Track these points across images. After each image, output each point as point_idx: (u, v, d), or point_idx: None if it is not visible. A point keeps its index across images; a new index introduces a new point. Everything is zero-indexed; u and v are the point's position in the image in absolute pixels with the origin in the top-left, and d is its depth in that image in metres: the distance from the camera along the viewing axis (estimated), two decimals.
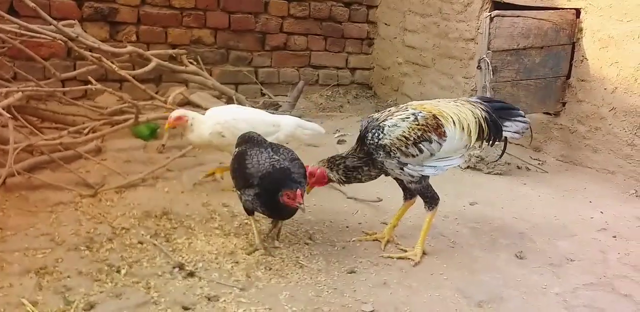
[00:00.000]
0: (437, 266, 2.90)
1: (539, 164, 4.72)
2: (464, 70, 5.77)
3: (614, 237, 3.36)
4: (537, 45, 4.59)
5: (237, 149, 3.05)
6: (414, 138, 2.80)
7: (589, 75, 4.59)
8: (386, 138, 2.81)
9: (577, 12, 4.63)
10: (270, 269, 2.75)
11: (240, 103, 5.50)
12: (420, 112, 2.86)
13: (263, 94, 6.41)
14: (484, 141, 3.02)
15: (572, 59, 4.74)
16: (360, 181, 3.01)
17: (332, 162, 2.97)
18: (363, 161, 2.91)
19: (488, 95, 4.32)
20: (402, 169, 2.87)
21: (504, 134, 3.04)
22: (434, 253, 3.03)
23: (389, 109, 2.96)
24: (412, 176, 2.90)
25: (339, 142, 5.09)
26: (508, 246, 3.18)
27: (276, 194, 2.63)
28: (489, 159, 4.44)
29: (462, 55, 5.76)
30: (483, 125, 2.95)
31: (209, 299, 2.46)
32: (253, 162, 2.80)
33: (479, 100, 3.07)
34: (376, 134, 2.83)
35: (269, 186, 2.69)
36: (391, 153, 2.82)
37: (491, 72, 4.40)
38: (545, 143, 5.00)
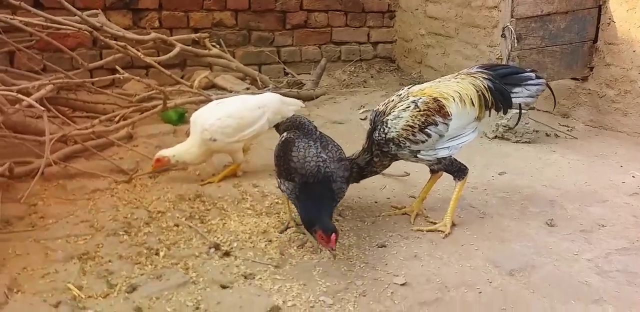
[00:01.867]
0: (467, 236, 2.90)
1: (567, 130, 4.64)
2: (488, 38, 5.65)
3: None
4: (562, 11, 4.47)
5: (285, 133, 2.91)
6: (418, 125, 2.80)
7: (617, 38, 4.46)
8: (392, 131, 2.82)
9: None
10: (303, 246, 2.79)
11: (264, 83, 5.52)
12: (420, 98, 2.84)
13: (286, 73, 6.40)
14: (493, 110, 2.97)
15: (598, 22, 4.61)
16: (376, 173, 3.04)
17: None
18: (373, 154, 2.92)
19: (511, 64, 4.23)
20: (416, 156, 2.88)
21: (515, 100, 2.98)
22: (463, 224, 3.03)
23: (392, 99, 2.93)
24: (429, 160, 2.90)
25: (364, 118, 5.07)
26: (538, 214, 3.16)
27: (313, 198, 2.59)
28: (515, 128, 4.37)
29: (486, 23, 5.64)
30: (487, 95, 2.91)
31: (245, 277, 2.51)
32: (299, 156, 2.69)
33: (480, 70, 3.01)
34: (382, 130, 2.84)
35: (308, 190, 2.62)
36: (401, 144, 2.83)
37: (515, 40, 4.30)
38: (573, 109, 4.90)
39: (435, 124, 2.81)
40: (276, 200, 3.29)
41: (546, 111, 5.02)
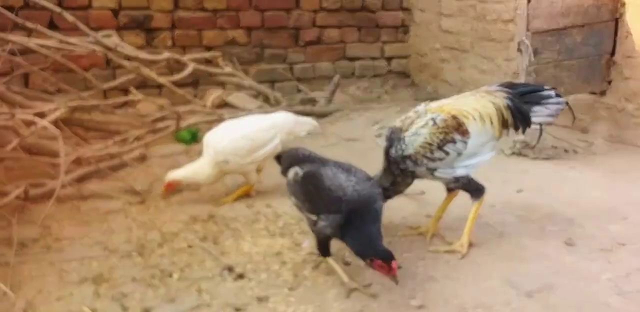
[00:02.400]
0: (485, 257, 2.91)
1: (586, 145, 4.64)
2: (505, 52, 5.68)
3: None
4: (578, 24, 4.49)
5: (297, 169, 2.76)
6: (437, 142, 2.81)
7: (635, 51, 4.47)
8: (409, 148, 2.83)
9: None
10: (317, 267, 2.82)
11: (277, 101, 5.59)
12: (439, 115, 2.86)
13: (299, 90, 6.48)
14: (511, 129, 2.99)
15: (615, 35, 4.63)
16: (401, 192, 3.06)
17: None
18: (395, 174, 2.94)
19: (523, 80, 4.26)
20: (432, 174, 2.90)
21: (535, 119, 2.99)
22: (481, 244, 3.04)
23: (409, 115, 2.95)
24: (446, 178, 2.92)
25: (379, 135, 5.11)
26: (557, 232, 3.16)
27: (359, 226, 2.50)
28: (534, 144, 4.38)
29: (502, 37, 5.68)
30: (505, 114, 2.93)
31: (259, 300, 2.54)
32: (336, 184, 2.56)
33: (499, 88, 3.04)
34: (399, 147, 2.85)
35: (353, 218, 2.51)
36: (418, 161, 2.84)
37: (532, 54, 4.33)
38: (592, 124, 4.90)
39: (453, 141, 2.84)
40: (290, 220, 3.33)
41: (564, 126, 5.00)
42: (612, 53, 4.66)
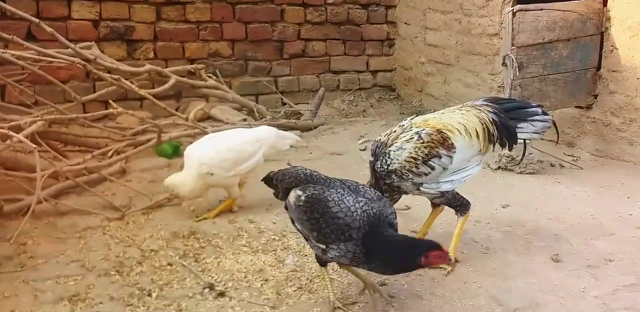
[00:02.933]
0: (470, 273, 2.93)
1: (573, 160, 4.70)
2: (490, 66, 5.77)
3: None
4: (564, 38, 4.57)
5: (298, 192, 2.52)
6: (422, 157, 2.84)
7: (621, 65, 4.56)
8: (395, 163, 2.85)
9: (604, 0, 4.60)
10: (301, 286, 2.81)
11: (261, 114, 5.61)
12: (424, 129, 2.89)
13: (284, 104, 6.51)
14: (497, 145, 3.03)
15: (601, 49, 4.72)
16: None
17: None
18: (382, 189, 2.95)
19: (508, 94, 4.32)
20: (418, 189, 2.92)
21: (520, 135, 3.03)
22: (466, 260, 3.05)
23: (394, 129, 2.98)
24: (431, 194, 2.95)
25: (364, 149, 5.13)
26: (543, 249, 3.19)
27: (382, 248, 2.35)
28: (519, 159, 4.43)
29: (487, 51, 5.77)
30: (491, 128, 2.96)
31: None
32: (344, 209, 2.37)
33: (485, 103, 3.08)
34: (384, 161, 2.87)
35: (371, 241, 2.36)
36: (403, 176, 2.87)
37: (517, 69, 4.39)
38: (578, 138, 4.97)
39: (439, 156, 2.86)
40: (273, 236, 3.32)
41: (550, 140, 5.06)
42: (598, 67, 4.75)
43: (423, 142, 2.86)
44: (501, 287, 2.79)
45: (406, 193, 3.02)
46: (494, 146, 3.04)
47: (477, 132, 2.94)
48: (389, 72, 7.34)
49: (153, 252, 3.12)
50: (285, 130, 5.51)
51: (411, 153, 2.85)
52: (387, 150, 2.90)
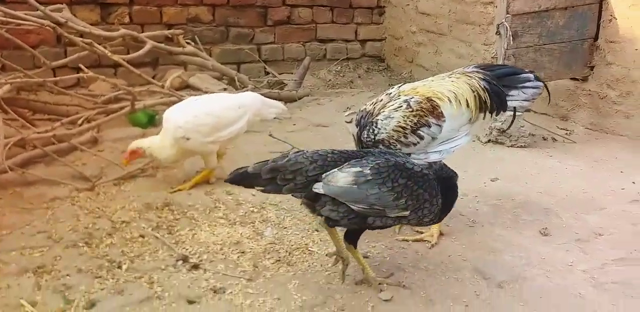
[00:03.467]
0: (456, 246, 2.93)
1: (566, 134, 4.70)
2: (483, 36, 5.72)
3: None
4: (561, 6, 4.52)
5: (360, 169, 2.38)
6: (411, 126, 2.81)
7: (619, 35, 4.53)
8: (382, 132, 2.82)
9: None
10: (279, 258, 2.80)
11: (242, 83, 5.53)
12: (413, 97, 2.85)
13: (267, 73, 6.42)
14: (487, 113, 3.00)
15: (599, 19, 4.67)
16: None
17: None
18: None
19: (506, 63, 4.28)
20: None
21: (510, 103, 3.01)
22: (452, 234, 3.05)
23: (381, 98, 2.94)
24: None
25: (350, 121, 5.10)
26: (532, 222, 3.19)
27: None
28: (510, 131, 4.42)
29: (481, 20, 5.71)
30: (483, 96, 2.93)
31: (214, 292, 2.51)
32: (422, 167, 2.48)
33: (476, 70, 3.04)
34: (371, 130, 2.83)
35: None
36: (391, 146, 2.83)
37: (511, 38, 4.34)
38: (572, 111, 4.96)
39: (428, 125, 2.83)
40: (251, 208, 3.30)
41: (543, 113, 5.07)
42: (596, 37, 4.71)
43: (412, 111, 2.82)
44: (487, 261, 2.79)
45: None
46: (484, 115, 3.01)
47: (467, 100, 2.91)
48: (379, 42, 7.27)
49: (124, 223, 3.09)
50: None
51: (399, 122, 2.81)
52: (374, 120, 2.86)
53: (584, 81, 4.86)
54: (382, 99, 2.95)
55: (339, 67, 6.96)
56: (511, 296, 2.52)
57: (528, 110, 4.65)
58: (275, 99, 5.41)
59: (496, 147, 4.42)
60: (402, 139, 2.83)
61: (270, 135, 4.40)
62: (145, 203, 3.31)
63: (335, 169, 2.39)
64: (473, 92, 2.93)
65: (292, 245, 2.92)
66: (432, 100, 2.87)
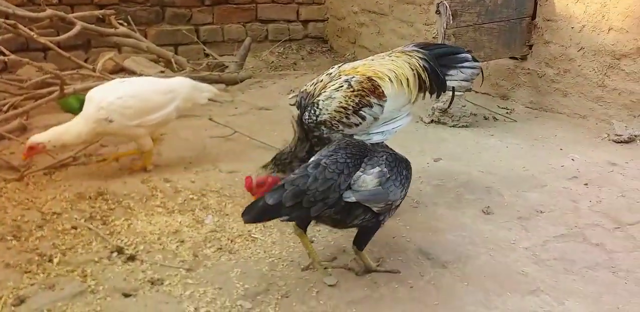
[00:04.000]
0: (399, 228, 2.91)
1: (507, 112, 4.75)
2: (424, 16, 5.70)
3: (586, 184, 3.42)
4: None
5: (380, 168, 2.36)
6: (352, 106, 2.76)
7: (555, 14, 4.58)
8: (324, 114, 2.77)
9: None
10: (221, 246, 2.72)
11: (180, 66, 5.37)
12: (354, 77, 2.82)
13: (207, 55, 6.25)
14: (427, 93, 2.98)
15: None
16: None
17: (281, 163, 2.88)
18: (311, 143, 2.87)
19: (444, 42, 4.27)
20: None
21: (449, 83, 2.99)
22: (395, 215, 3.00)
23: (321, 78, 2.89)
24: None
25: (294, 104, 5.02)
26: (474, 201, 3.21)
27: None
28: (452, 111, 4.43)
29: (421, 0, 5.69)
30: (422, 75, 2.91)
31: (152, 284, 2.43)
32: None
33: (415, 49, 3.01)
34: (312, 112, 2.78)
35: None
36: (333, 127, 2.79)
37: (451, 17, 4.33)
38: (512, 90, 5.01)
39: (370, 105, 2.79)
40: (191, 196, 3.20)
41: (485, 93, 5.11)
42: (534, 16, 4.75)
43: (353, 91, 2.78)
44: (430, 241, 2.79)
45: None
46: (424, 94, 2.99)
47: (407, 80, 2.87)
48: (321, 23, 7.18)
49: (55, 215, 2.95)
50: (208, 83, 5.34)
51: (341, 102, 2.77)
52: (315, 101, 2.80)
53: (523, 60, 4.91)
54: (322, 80, 2.89)
55: (282, 49, 6.85)
56: (455, 276, 2.53)
57: (469, 90, 4.68)
58: (216, 82, 5.35)
59: (438, 128, 4.43)
60: (344, 119, 2.78)
61: (211, 119, 4.28)
62: (77, 193, 3.18)
63: (360, 173, 2.32)
64: (413, 71, 2.90)
65: (234, 232, 2.85)
66: (373, 79, 2.83)
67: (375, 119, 2.84)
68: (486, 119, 4.62)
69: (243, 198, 3.16)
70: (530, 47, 4.82)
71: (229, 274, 2.51)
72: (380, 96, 2.82)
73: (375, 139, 2.89)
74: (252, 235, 2.83)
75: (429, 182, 3.43)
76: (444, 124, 4.46)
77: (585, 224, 2.97)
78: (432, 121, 4.51)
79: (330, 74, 2.91)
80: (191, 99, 3.47)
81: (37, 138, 3.19)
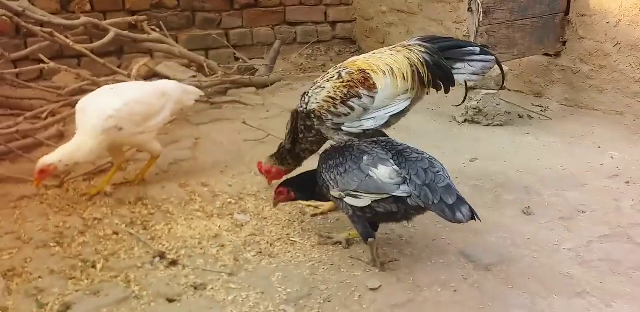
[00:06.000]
0: (439, 230, 2.87)
1: (541, 110, 4.67)
2: (454, 14, 5.63)
3: (627, 183, 3.34)
4: None
5: (391, 167, 2.47)
6: (340, 97, 2.77)
7: (589, 9, 4.48)
8: (313, 103, 2.82)
9: None
10: (260, 250, 2.71)
11: (212, 70, 5.38)
12: (346, 69, 2.83)
13: (237, 59, 6.26)
14: (430, 87, 2.90)
15: None
16: (311, 150, 3.04)
17: (279, 156, 3.10)
18: (301, 130, 2.92)
19: (474, 41, 4.20)
20: (340, 129, 2.84)
21: (457, 77, 2.89)
22: (434, 216, 2.96)
23: (329, 71, 2.92)
24: (355, 133, 2.84)
25: None
26: (514, 202, 3.15)
27: None
28: (486, 110, 4.36)
29: None
30: (422, 69, 2.84)
31: (195, 288, 2.43)
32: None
33: (418, 43, 2.93)
34: (304, 100, 2.85)
35: None
36: (322, 116, 2.81)
37: (483, 14, 4.27)
38: (547, 87, 4.92)
39: (359, 96, 2.78)
40: (229, 200, 3.20)
41: (518, 91, 5.03)
42: (567, 12, 4.66)
43: (342, 82, 2.80)
44: (471, 243, 2.74)
45: (328, 137, 2.94)
46: (428, 89, 2.92)
47: (403, 74, 2.83)
48: (349, 23, 7.13)
49: (96, 221, 2.97)
50: (239, 87, 5.35)
51: (329, 92, 2.80)
52: (308, 90, 2.87)
53: (557, 56, 4.82)
54: (329, 72, 2.93)
55: (311, 51, 6.82)
56: (499, 279, 2.48)
57: (503, 88, 4.58)
58: (247, 85, 5.35)
59: (473, 127, 4.37)
60: (332, 109, 2.79)
61: (244, 122, 4.28)
62: (117, 198, 3.19)
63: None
64: (411, 65, 2.82)
65: (273, 236, 2.84)
66: (364, 71, 2.82)
67: (366, 109, 2.82)
68: (521, 117, 4.54)
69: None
70: (564, 43, 4.73)
71: (270, 278, 2.49)
72: (371, 88, 2.80)
73: (367, 125, 2.86)
74: (291, 238, 2.82)
75: (467, 183, 3.37)
76: (478, 123, 4.40)
77: (628, 224, 2.90)
78: (465, 121, 4.44)
79: (337, 66, 2.94)
80: (181, 101, 3.43)
81: (46, 160, 2.98)
